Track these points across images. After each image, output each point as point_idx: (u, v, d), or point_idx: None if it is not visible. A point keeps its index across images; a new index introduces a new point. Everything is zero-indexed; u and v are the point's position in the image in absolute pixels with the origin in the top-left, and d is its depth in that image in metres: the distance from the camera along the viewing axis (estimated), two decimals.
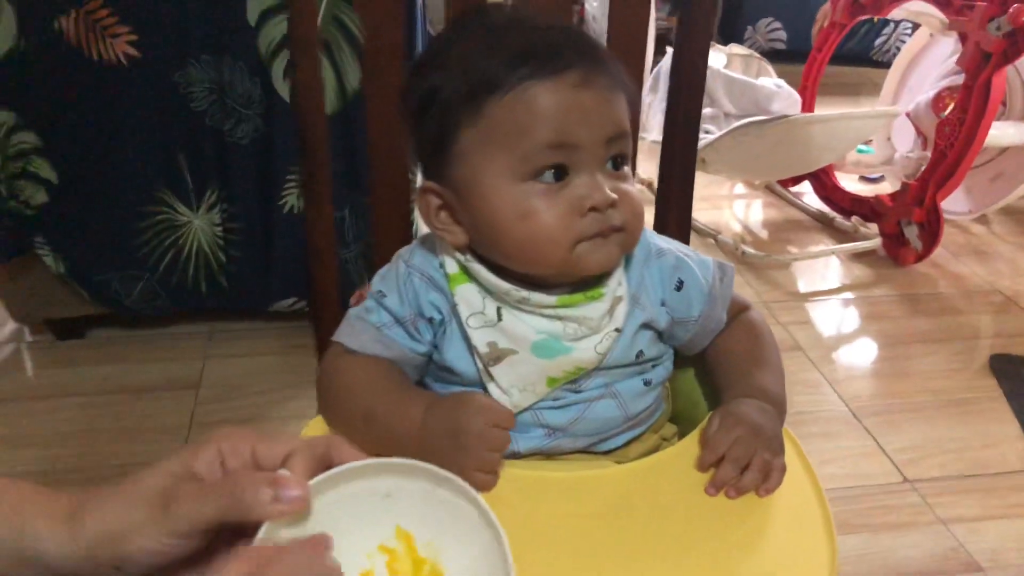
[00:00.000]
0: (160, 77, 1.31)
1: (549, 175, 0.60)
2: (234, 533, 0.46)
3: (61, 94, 1.30)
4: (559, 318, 0.64)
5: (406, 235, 0.87)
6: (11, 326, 1.67)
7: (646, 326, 0.67)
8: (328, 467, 0.47)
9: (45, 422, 1.41)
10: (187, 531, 0.43)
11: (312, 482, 0.45)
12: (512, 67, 0.58)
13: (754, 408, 0.63)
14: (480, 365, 0.65)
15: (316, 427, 0.66)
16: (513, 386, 0.65)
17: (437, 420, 0.61)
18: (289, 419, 1.42)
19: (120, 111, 1.33)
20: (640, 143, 1.80)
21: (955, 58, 2.00)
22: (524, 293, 0.63)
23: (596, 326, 0.64)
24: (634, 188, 0.63)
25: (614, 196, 0.60)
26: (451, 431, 0.59)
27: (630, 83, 0.64)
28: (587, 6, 2.58)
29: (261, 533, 0.43)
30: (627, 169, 0.63)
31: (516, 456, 0.67)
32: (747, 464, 0.60)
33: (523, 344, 0.64)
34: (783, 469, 0.60)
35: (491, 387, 0.65)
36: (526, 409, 0.66)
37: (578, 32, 0.64)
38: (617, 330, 0.65)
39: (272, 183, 1.42)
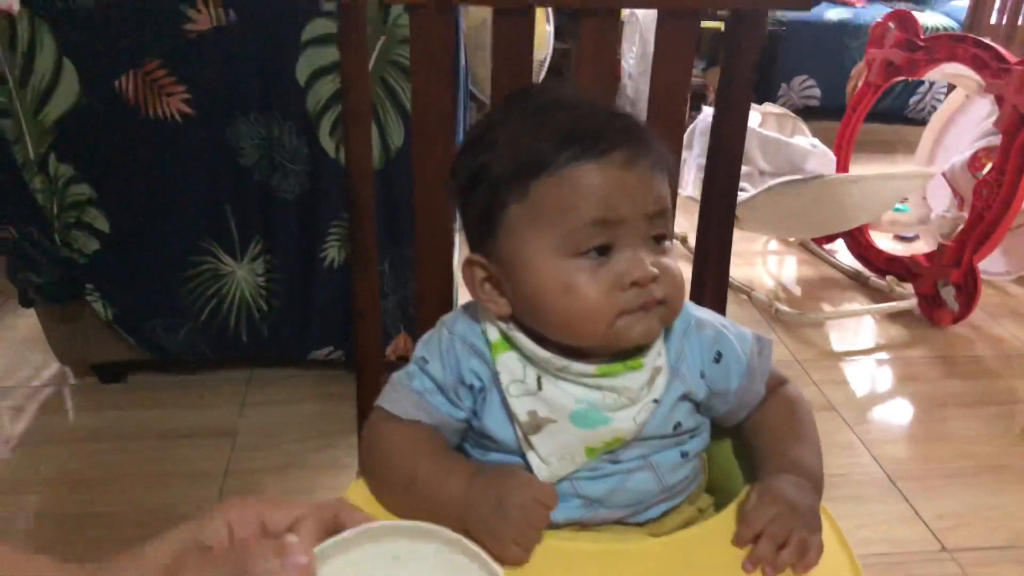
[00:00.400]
0: (211, 133, 1.36)
1: (594, 252, 0.62)
2: None
3: (117, 149, 1.36)
4: (599, 388, 0.65)
5: (447, 290, 0.89)
6: (55, 368, 1.71)
7: (685, 398, 0.68)
8: (337, 532, 0.48)
9: (85, 464, 1.44)
10: None
11: (320, 547, 0.46)
12: (560, 148, 0.61)
13: (791, 484, 0.64)
14: (520, 433, 0.66)
15: (357, 490, 0.67)
16: (552, 455, 0.66)
17: (481, 489, 0.61)
18: (323, 468, 1.44)
19: (172, 165, 1.38)
20: None
21: (992, 119, 2.01)
22: (564, 362, 0.64)
23: (635, 396, 0.65)
24: (675, 263, 0.64)
25: (655, 271, 0.62)
26: (495, 501, 0.60)
27: (671, 160, 0.66)
28: (624, 63, 2.63)
29: None
30: (668, 245, 0.65)
31: (552, 526, 0.66)
32: (784, 541, 0.60)
33: (562, 413, 0.65)
34: (820, 547, 0.60)
35: (530, 456, 0.66)
36: (564, 479, 0.67)
37: (622, 113, 0.66)
38: (655, 401, 0.66)
39: (314, 236, 1.45)
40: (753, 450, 0.72)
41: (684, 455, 0.69)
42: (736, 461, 0.76)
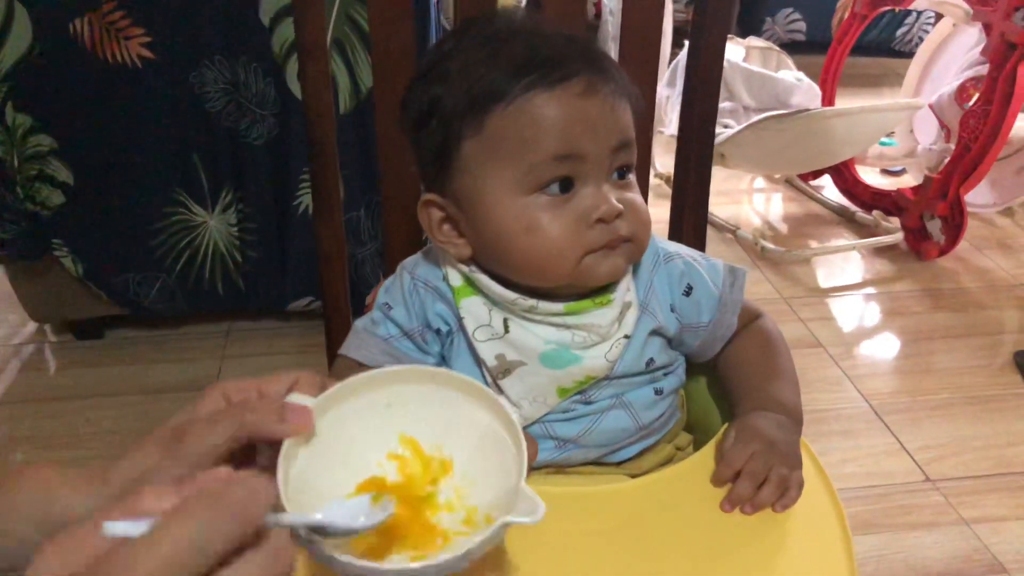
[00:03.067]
0: (174, 78, 1.31)
1: (555, 187, 0.59)
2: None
3: (76, 96, 1.31)
4: (567, 326, 0.63)
5: (418, 235, 0.86)
6: (32, 326, 1.68)
7: (656, 333, 0.66)
8: None
9: (64, 423, 1.43)
10: (203, 463, 0.43)
11: (316, 400, 0.47)
12: (515, 77, 0.57)
13: (771, 421, 0.62)
14: (489, 378, 0.64)
15: None
16: (523, 398, 0.64)
17: None
18: None
19: (135, 113, 1.33)
20: (657, 137, 1.78)
21: (979, 48, 1.97)
22: (531, 302, 0.62)
23: (605, 333, 0.63)
24: (639, 198, 0.62)
25: (620, 207, 0.59)
26: None
27: (635, 90, 0.63)
28: (604, 0, 2.56)
29: (280, 457, 0.44)
30: (632, 178, 0.62)
31: None
32: (764, 479, 0.58)
33: (531, 355, 0.63)
34: (801, 484, 0.59)
35: (501, 400, 0.64)
36: (536, 421, 0.65)
37: (583, 39, 0.63)
38: (627, 336, 0.64)
39: (287, 183, 1.41)
40: (730, 387, 0.70)
41: (659, 392, 0.68)
42: (714, 399, 0.74)
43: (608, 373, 0.64)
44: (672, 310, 0.67)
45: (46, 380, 1.56)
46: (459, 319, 0.65)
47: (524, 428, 0.63)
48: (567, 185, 0.59)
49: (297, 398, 0.47)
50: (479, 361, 0.64)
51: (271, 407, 0.45)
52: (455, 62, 0.61)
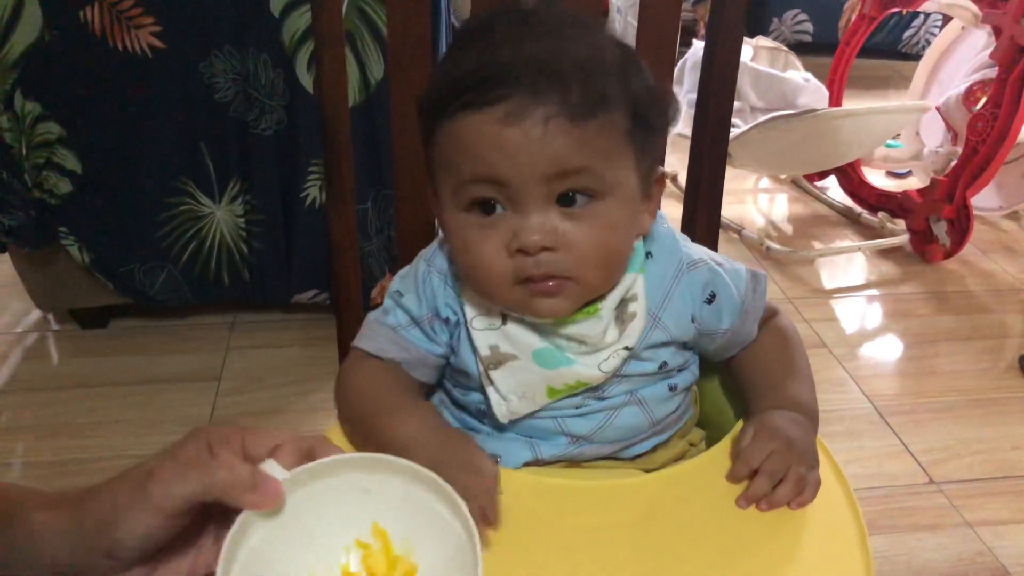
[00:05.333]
0: (184, 68, 1.30)
1: (477, 210, 0.57)
2: (222, 524, 0.46)
3: (85, 85, 1.30)
4: (555, 334, 0.62)
5: (428, 230, 0.85)
6: (36, 315, 1.68)
7: (667, 344, 0.65)
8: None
9: (68, 412, 1.42)
10: (168, 509, 0.43)
11: (294, 472, 0.45)
12: (454, 93, 0.55)
13: (788, 420, 0.62)
14: (481, 368, 0.64)
15: (333, 433, 0.66)
16: (512, 392, 0.63)
17: (425, 450, 0.57)
18: (309, 411, 1.42)
19: (144, 102, 1.33)
20: None
21: (988, 51, 1.96)
22: None
23: (597, 343, 0.61)
24: (594, 229, 0.56)
25: (536, 239, 0.55)
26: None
27: (624, 101, 0.56)
28: None
29: (236, 526, 0.43)
30: (595, 206, 0.56)
31: (540, 463, 0.65)
32: (781, 478, 0.58)
33: (524, 350, 0.62)
34: (818, 483, 0.59)
35: (490, 391, 0.64)
36: (549, 417, 0.64)
37: (550, 46, 0.55)
38: (627, 348, 0.62)
39: (294, 175, 1.41)
40: (746, 384, 0.70)
41: (672, 388, 0.67)
42: (728, 395, 0.74)
43: (603, 383, 0.63)
44: (692, 320, 0.65)
45: (49, 369, 1.56)
46: (462, 306, 0.64)
47: (520, 420, 0.63)
48: (487, 207, 0.57)
49: (272, 468, 0.45)
50: (474, 349, 0.64)
51: (245, 473, 0.43)
52: (444, 58, 0.59)
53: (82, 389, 1.48)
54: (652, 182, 0.63)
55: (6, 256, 1.52)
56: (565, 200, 0.56)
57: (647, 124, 0.59)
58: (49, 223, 1.41)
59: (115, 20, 1.25)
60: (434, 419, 0.63)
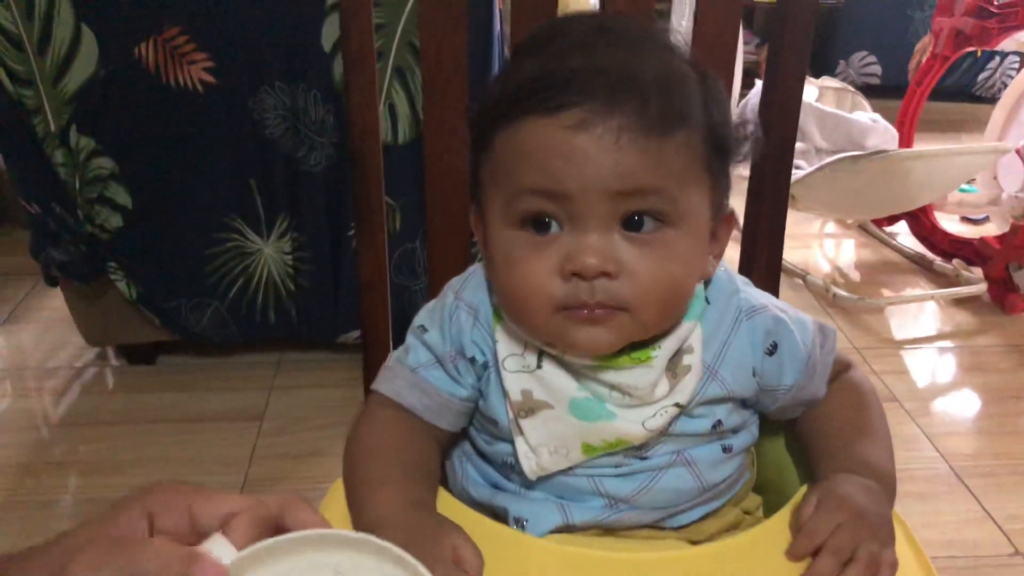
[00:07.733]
0: (234, 103, 1.30)
1: (530, 226, 0.52)
2: None
3: (138, 120, 1.31)
4: (598, 381, 0.56)
5: (463, 267, 0.81)
6: (85, 349, 1.68)
7: (725, 400, 0.59)
8: (279, 531, 0.41)
9: (110, 448, 1.41)
10: None
11: (251, 550, 0.39)
12: (515, 99, 0.51)
13: (859, 488, 0.54)
14: (511, 415, 0.58)
15: (338, 491, 0.59)
16: (543, 445, 0.57)
17: (398, 529, 0.51)
18: None
19: (194, 137, 1.33)
20: None
21: None
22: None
23: (644, 396, 0.55)
24: (656, 259, 0.51)
25: (596, 263, 0.50)
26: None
27: (703, 125, 0.52)
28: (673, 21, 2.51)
29: None
30: (663, 233, 0.52)
31: (571, 529, 0.58)
32: (851, 556, 0.50)
33: (561, 399, 0.56)
34: (894, 565, 0.50)
35: (518, 441, 0.58)
36: (585, 475, 0.58)
37: (625, 56, 0.51)
38: (678, 405, 0.56)
39: (342, 213, 1.39)
40: (812, 444, 0.62)
41: (727, 450, 0.60)
42: (790, 455, 0.67)
43: (644, 442, 0.57)
44: (753, 374, 0.59)
45: (96, 404, 1.55)
46: (494, 343, 0.58)
47: (550, 478, 0.57)
48: (541, 225, 0.52)
49: (218, 546, 0.38)
50: (504, 393, 0.58)
51: (176, 559, 0.36)
52: (506, 67, 0.57)
53: (128, 425, 1.47)
54: (720, 220, 0.57)
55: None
56: (631, 223, 0.51)
57: (725, 153, 0.54)
58: (98, 257, 1.41)
59: (168, 55, 1.25)
60: (417, 497, 0.56)
